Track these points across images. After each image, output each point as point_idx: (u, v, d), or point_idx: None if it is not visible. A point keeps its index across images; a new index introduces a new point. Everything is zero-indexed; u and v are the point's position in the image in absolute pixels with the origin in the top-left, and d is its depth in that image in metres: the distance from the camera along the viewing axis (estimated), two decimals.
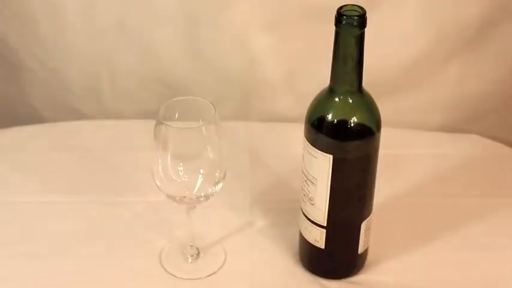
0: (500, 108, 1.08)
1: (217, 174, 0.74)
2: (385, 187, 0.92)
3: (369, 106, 0.70)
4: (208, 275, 0.80)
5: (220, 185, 0.75)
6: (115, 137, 1.03)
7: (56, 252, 0.82)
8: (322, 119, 0.69)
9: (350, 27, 0.63)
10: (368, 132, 0.70)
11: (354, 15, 0.63)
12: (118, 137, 1.03)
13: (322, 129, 0.69)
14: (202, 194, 0.75)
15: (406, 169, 0.97)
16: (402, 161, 0.99)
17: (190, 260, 0.82)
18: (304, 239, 0.78)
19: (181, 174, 0.74)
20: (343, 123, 0.68)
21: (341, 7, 0.63)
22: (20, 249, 0.83)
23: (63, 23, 1.02)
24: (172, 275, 0.80)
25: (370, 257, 0.82)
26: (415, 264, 0.81)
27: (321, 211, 0.73)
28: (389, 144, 1.03)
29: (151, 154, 0.73)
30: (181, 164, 0.74)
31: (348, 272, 0.80)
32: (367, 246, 0.79)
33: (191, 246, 0.82)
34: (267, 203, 0.90)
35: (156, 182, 0.74)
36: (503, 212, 0.90)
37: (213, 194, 0.76)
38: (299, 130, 0.98)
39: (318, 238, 0.76)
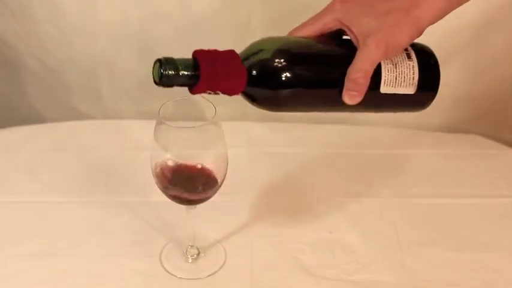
0: (500, 108, 1.08)
1: (217, 175, 0.74)
2: (385, 187, 0.92)
3: None
4: (208, 275, 0.80)
5: (220, 186, 0.75)
6: (115, 137, 1.03)
7: (56, 252, 0.82)
8: None
9: None
10: None
11: None
12: (118, 137, 1.02)
13: None
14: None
15: (407, 169, 0.97)
16: (402, 161, 0.99)
17: (190, 260, 0.82)
18: None
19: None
20: None
21: None
22: (20, 249, 0.82)
23: (63, 23, 1.02)
24: (172, 275, 0.80)
25: (370, 256, 0.82)
26: (415, 264, 0.81)
27: None
28: (390, 144, 1.04)
29: (151, 154, 0.73)
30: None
31: None
32: None
33: (191, 246, 0.82)
34: (267, 203, 0.90)
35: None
36: (503, 212, 0.90)
37: (213, 194, 0.76)
38: (299, 130, 0.98)
39: None
